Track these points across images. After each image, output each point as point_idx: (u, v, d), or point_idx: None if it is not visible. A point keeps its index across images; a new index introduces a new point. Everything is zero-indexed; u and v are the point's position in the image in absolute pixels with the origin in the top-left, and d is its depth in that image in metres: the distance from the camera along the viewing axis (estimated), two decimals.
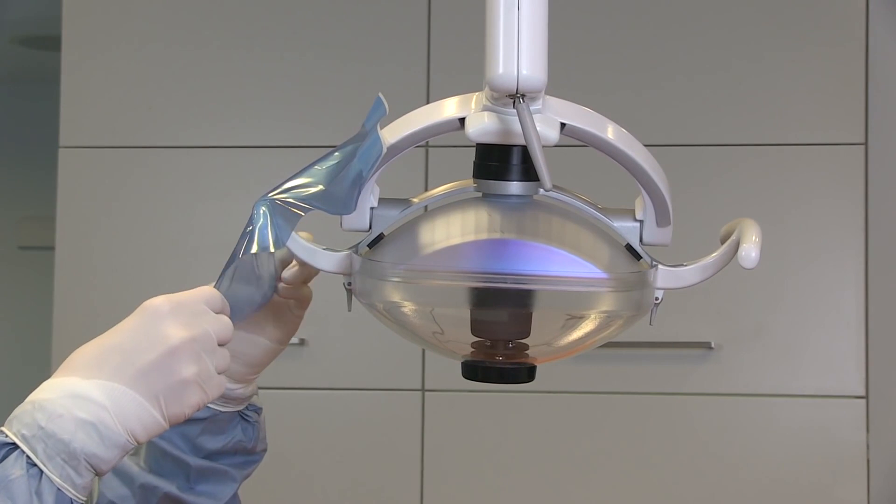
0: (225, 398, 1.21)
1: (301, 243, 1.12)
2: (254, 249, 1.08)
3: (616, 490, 2.63)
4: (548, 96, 1.03)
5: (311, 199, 1.07)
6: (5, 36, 4.01)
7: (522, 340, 1.09)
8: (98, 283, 2.75)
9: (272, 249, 1.08)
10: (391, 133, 1.07)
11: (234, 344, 1.10)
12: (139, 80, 2.78)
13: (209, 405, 1.20)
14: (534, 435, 2.65)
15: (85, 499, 1.00)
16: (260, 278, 1.15)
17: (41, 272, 3.24)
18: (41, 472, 0.96)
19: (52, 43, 3.01)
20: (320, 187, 1.07)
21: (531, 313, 1.07)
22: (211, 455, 1.23)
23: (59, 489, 0.97)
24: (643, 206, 1.11)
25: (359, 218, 1.10)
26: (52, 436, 0.97)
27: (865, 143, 2.60)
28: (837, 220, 2.60)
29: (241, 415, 1.25)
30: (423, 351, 2.66)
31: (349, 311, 1.17)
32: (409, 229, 1.09)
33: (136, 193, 2.77)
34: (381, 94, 1.08)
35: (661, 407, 2.63)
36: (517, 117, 0.98)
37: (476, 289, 1.05)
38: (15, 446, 0.98)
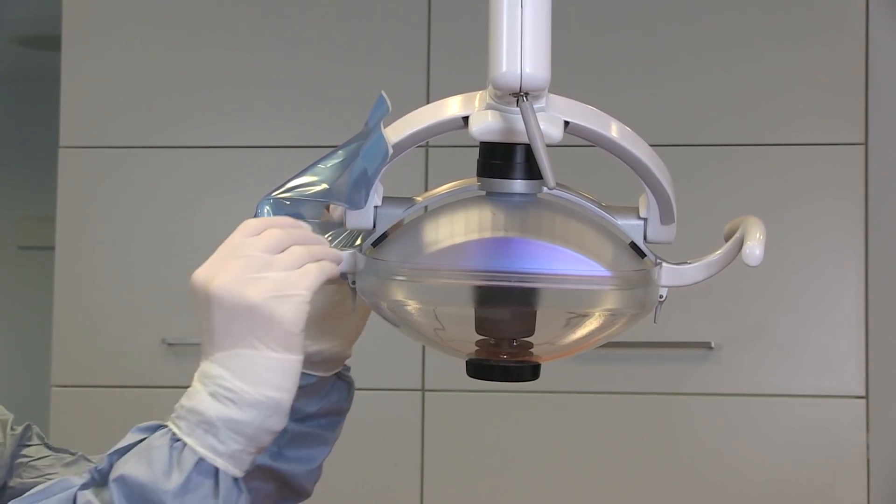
0: (332, 362, 1.22)
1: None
2: None
3: (616, 490, 2.63)
4: (551, 94, 1.03)
5: (316, 198, 1.07)
6: (5, 36, 4.01)
7: (526, 339, 1.09)
8: (98, 283, 2.76)
9: None
10: (394, 132, 1.07)
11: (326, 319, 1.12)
12: (139, 80, 2.78)
13: (312, 373, 1.20)
14: (534, 435, 2.66)
15: (240, 472, 1.02)
16: None
17: (41, 272, 3.24)
18: (184, 444, 1.01)
19: (52, 43, 3.01)
20: (324, 186, 1.07)
21: (535, 311, 1.07)
22: (305, 418, 1.23)
23: (200, 459, 1.00)
24: (647, 204, 1.11)
25: (363, 217, 1.10)
26: (192, 410, 1.01)
27: (865, 143, 2.60)
28: (837, 220, 2.60)
29: (339, 375, 1.26)
30: (424, 351, 2.66)
31: (353, 309, 1.17)
32: (414, 228, 1.09)
33: (136, 193, 2.77)
34: (383, 93, 1.08)
35: (661, 407, 2.63)
36: (521, 116, 0.98)
37: (480, 287, 1.05)
38: (164, 425, 1.03)
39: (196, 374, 1.03)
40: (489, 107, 1.04)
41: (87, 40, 2.79)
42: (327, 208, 1.16)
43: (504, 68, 0.98)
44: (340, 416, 1.27)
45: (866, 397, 2.58)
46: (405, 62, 2.72)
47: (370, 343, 2.63)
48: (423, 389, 2.68)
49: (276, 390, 1.01)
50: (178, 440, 1.01)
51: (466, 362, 1.10)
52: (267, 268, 1.01)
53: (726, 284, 2.53)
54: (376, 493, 2.69)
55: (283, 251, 1.03)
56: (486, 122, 1.03)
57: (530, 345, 1.10)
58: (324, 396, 1.24)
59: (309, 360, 1.17)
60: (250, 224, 1.05)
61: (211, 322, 1.02)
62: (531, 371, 1.10)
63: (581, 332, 1.09)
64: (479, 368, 1.10)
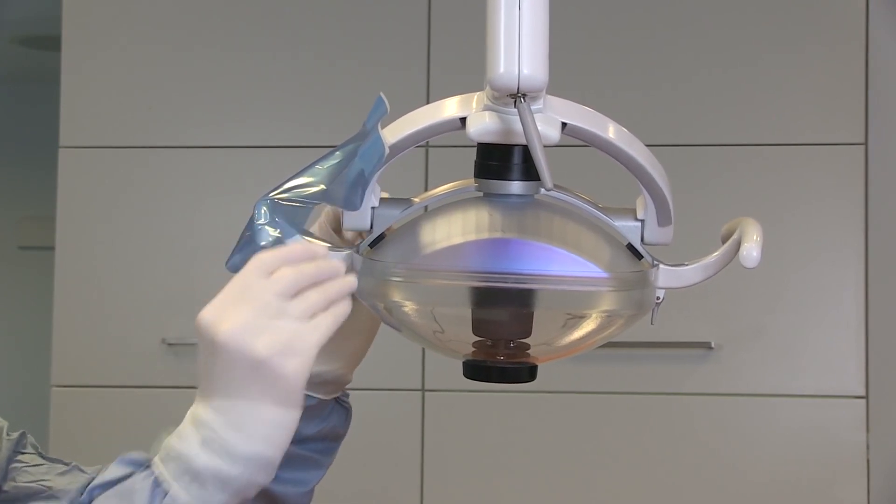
0: (333, 384, 1.21)
1: (303, 242, 1.11)
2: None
3: (616, 490, 2.63)
4: (549, 95, 1.03)
5: (313, 199, 1.07)
6: (5, 36, 4.01)
7: (523, 340, 1.09)
8: (98, 283, 2.75)
9: (265, 243, 1.07)
10: (392, 133, 1.07)
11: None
12: (139, 80, 2.78)
13: (313, 394, 1.19)
14: (534, 435, 2.65)
15: None
16: None
17: (41, 272, 3.24)
18: (167, 491, 0.98)
19: (52, 43, 3.01)
20: (321, 187, 1.07)
21: (532, 313, 1.07)
22: (301, 441, 1.22)
23: None
24: (644, 206, 1.11)
25: (360, 217, 1.10)
26: (180, 455, 0.99)
27: (865, 143, 2.60)
28: (837, 220, 2.60)
29: (338, 400, 1.25)
30: (424, 351, 2.66)
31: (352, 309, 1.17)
32: (411, 229, 1.09)
33: (136, 193, 2.77)
34: (382, 94, 1.07)
35: (661, 407, 2.63)
36: (518, 117, 0.98)
37: (477, 288, 1.05)
38: (149, 465, 1.01)
39: (189, 414, 1.01)
40: (487, 108, 1.04)
41: (87, 40, 2.79)
42: (339, 234, 1.16)
43: (502, 69, 0.97)
44: (337, 441, 1.27)
45: (866, 397, 2.58)
46: (405, 62, 2.72)
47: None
48: (423, 389, 2.68)
49: (269, 446, 0.99)
50: (161, 484, 0.99)
51: (463, 363, 1.10)
52: (277, 316, 0.98)
53: (726, 284, 2.53)
54: (376, 493, 2.69)
55: (295, 294, 1.00)
56: (483, 124, 1.03)
57: (527, 346, 1.10)
58: (323, 420, 1.23)
59: (310, 381, 1.16)
60: (263, 261, 1.01)
61: (213, 367, 0.99)
62: (528, 372, 1.10)
63: (578, 334, 1.09)
64: (475, 369, 1.10)
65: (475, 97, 1.06)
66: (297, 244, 1.05)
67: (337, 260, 1.05)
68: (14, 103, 4.56)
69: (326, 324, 1.00)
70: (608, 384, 2.63)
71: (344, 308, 1.02)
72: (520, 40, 0.97)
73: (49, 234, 2.81)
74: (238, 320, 0.98)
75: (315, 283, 1.01)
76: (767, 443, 2.59)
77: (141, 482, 0.99)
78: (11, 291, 4.57)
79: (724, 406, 2.61)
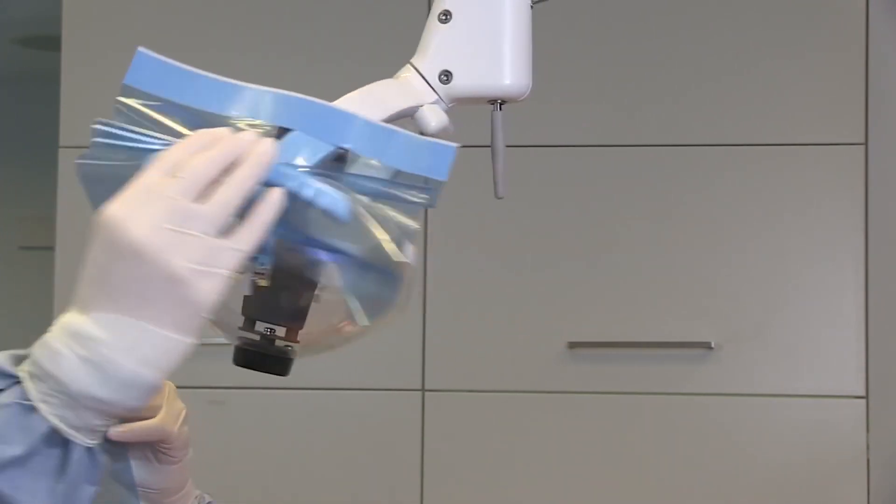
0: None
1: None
2: None
3: (615, 490, 2.63)
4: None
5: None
6: (5, 36, 4.02)
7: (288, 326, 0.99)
8: None
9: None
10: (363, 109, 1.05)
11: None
12: None
13: None
14: (534, 435, 2.66)
15: (93, 442, 0.88)
16: None
17: (41, 272, 3.24)
18: (34, 408, 0.87)
19: (52, 43, 3.02)
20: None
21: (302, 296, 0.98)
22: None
23: (51, 429, 0.87)
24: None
25: None
26: (52, 376, 0.87)
27: (865, 143, 2.60)
28: (837, 220, 2.60)
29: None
30: (424, 351, 2.66)
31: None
32: None
33: None
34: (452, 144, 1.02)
35: (661, 407, 2.63)
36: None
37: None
38: (19, 380, 0.89)
39: (63, 325, 0.90)
40: (435, 102, 1.04)
41: (87, 40, 2.79)
42: None
43: (488, 77, 0.98)
44: None
45: (866, 397, 2.58)
46: (405, 63, 2.72)
47: (370, 343, 2.63)
48: (423, 389, 2.68)
49: (157, 372, 0.88)
50: (29, 401, 0.87)
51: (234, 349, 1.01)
52: (189, 224, 0.86)
53: (726, 284, 2.53)
54: (376, 493, 2.69)
55: (206, 191, 0.88)
56: (443, 119, 1.03)
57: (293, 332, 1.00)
58: None
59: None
60: (164, 158, 0.91)
61: (112, 273, 0.87)
62: (277, 361, 1.00)
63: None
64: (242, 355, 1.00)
65: (421, 87, 1.04)
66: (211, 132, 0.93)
67: (249, 133, 0.93)
68: (14, 103, 4.56)
69: (246, 240, 0.88)
70: (608, 384, 2.64)
71: (269, 207, 0.89)
72: (503, 49, 0.98)
73: (49, 234, 2.81)
74: (151, 226, 0.85)
75: (227, 170, 0.89)
76: (767, 443, 2.59)
77: (6, 396, 0.88)
78: (11, 291, 4.57)
79: (724, 406, 2.61)
